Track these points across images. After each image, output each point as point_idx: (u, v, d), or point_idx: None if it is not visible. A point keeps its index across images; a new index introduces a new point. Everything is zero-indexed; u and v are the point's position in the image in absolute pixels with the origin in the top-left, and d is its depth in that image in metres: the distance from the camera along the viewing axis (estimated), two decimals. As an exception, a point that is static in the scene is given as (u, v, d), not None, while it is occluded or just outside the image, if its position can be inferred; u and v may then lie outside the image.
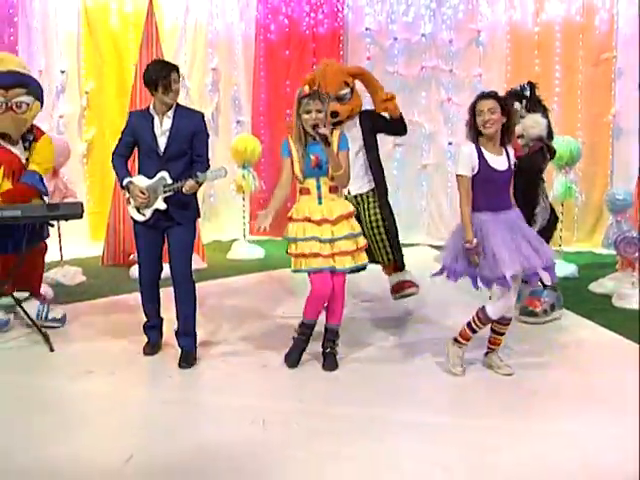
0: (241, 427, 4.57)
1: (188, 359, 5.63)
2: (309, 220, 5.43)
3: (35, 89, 6.38)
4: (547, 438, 4.41)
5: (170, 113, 5.51)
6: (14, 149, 6.27)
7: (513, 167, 5.30)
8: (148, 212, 5.54)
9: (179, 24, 11.01)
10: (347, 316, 6.87)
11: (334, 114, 6.54)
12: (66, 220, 6.36)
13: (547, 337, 6.36)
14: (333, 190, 5.49)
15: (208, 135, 5.64)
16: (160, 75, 5.42)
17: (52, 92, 10.27)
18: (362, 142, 6.72)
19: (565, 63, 10.30)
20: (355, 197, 6.68)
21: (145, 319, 5.91)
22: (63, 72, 10.35)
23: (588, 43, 10.18)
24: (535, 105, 6.86)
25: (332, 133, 5.45)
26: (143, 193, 5.47)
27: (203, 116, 5.68)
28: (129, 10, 10.65)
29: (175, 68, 5.53)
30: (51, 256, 7.89)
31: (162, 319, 5.93)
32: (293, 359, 5.62)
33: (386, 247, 6.84)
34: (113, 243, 9.15)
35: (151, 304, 5.84)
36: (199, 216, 5.83)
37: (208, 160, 5.58)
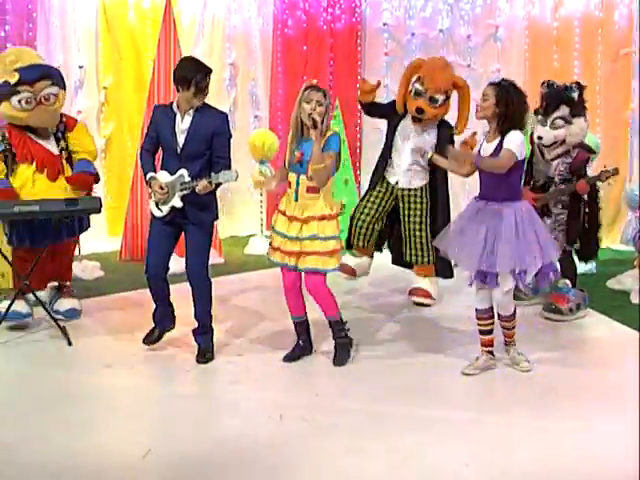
0: (258, 421, 4.59)
1: (205, 355, 5.65)
2: (284, 214, 5.50)
3: (58, 78, 6.44)
4: (565, 435, 4.42)
5: (192, 111, 5.48)
6: (46, 143, 6.32)
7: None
8: (165, 208, 5.56)
9: (197, 19, 10.99)
10: (363, 312, 6.94)
11: (419, 110, 6.64)
12: (85, 215, 6.38)
13: (565, 333, 6.36)
14: (311, 190, 5.43)
15: (230, 136, 5.60)
16: (195, 77, 5.39)
17: (70, 88, 10.19)
18: (433, 145, 6.76)
19: (584, 58, 10.22)
20: (402, 190, 6.81)
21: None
22: (81, 68, 10.36)
23: (607, 38, 10.11)
24: (580, 109, 6.78)
25: (325, 131, 5.42)
26: (162, 189, 5.49)
27: (226, 117, 5.65)
28: (147, 5, 10.64)
29: (211, 71, 5.55)
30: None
31: (172, 306, 5.91)
32: (288, 355, 5.66)
33: (423, 248, 6.87)
34: (131, 238, 9.17)
35: (155, 296, 5.83)
36: (217, 218, 5.81)
37: (229, 161, 5.54)
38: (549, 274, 5.33)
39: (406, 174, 6.89)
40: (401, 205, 6.96)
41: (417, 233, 6.91)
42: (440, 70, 6.81)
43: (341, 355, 5.59)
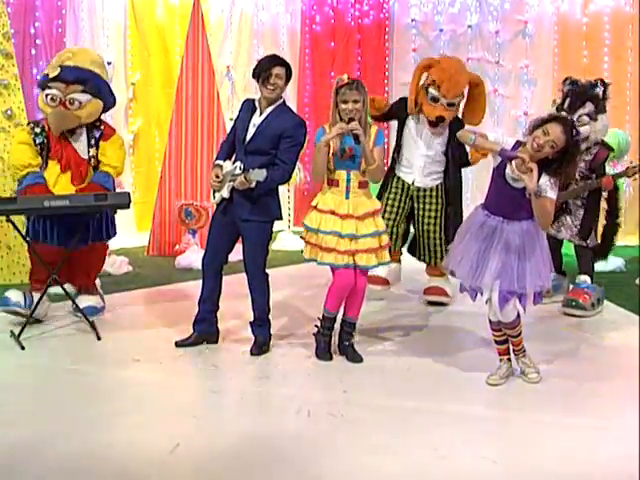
0: (287, 417, 4.58)
1: (262, 347, 5.68)
2: (333, 213, 5.40)
3: (95, 87, 6.31)
4: (595, 433, 4.38)
5: (269, 109, 5.50)
6: (77, 145, 6.32)
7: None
8: (217, 197, 5.59)
9: (225, 16, 11.04)
10: (390, 308, 6.93)
11: (441, 119, 6.54)
12: (114, 210, 6.40)
13: (591, 331, 6.31)
14: (362, 185, 5.43)
15: (299, 143, 5.52)
16: (263, 68, 5.44)
17: (99, 84, 10.37)
18: (445, 143, 6.73)
19: (614, 54, 10.19)
20: (418, 189, 6.75)
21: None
22: (110, 64, 10.37)
23: (637, 34, 10.02)
24: (603, 106, 6.76)
25: (369, 128, 5.38)
26: (217, 177, 5.52)
27: (301, 124, 5.58)
28: (175, 2, 10.70)
29: (281, 63, 5.52)
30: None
31: (216, 318, 5.88)
32: (325, 355, 5.59)
33: (437, 249, 6.83)
34: (159, 233, 9.22)
35: (206, 292, 5.78)
36: (279, 218, 5.72)
37: (291, 167, 5.51)
38: (541, 293, 5.17)
39: (422, 173, 6.81)
40: (416, 205, 6.88)
41: (432, 235, 6.84)
42: (457, 74, 6.63)
43: (354, 353, 5.56)
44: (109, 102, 6.55)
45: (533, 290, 5.01)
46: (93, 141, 6.36)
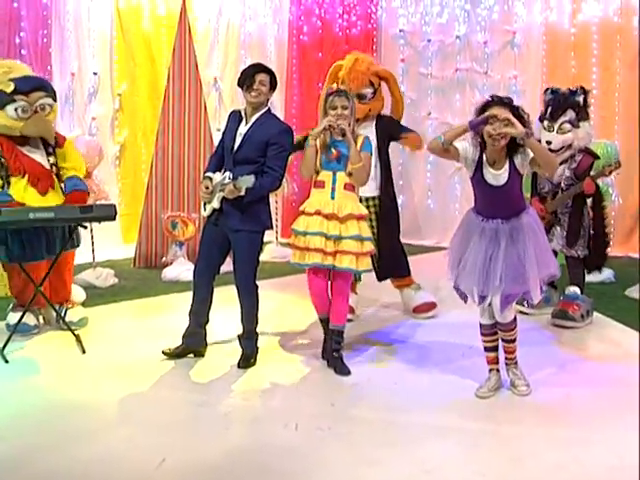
0: (274, 431, 4.57)
1: (249, 360, 5.67)
2: (319, 213, 5.49)
3: (52, 91, 6.47)
4: (584, 445, 4.37)
5: (254, 117, 5.54)
6: (37, 156, 6.31)
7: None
8: (208, 208, 5.59)
9: (212, 26, 11.06)
10: (380, 318, 6.93)
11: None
12: (99, 222, 6.39)
13: (581, 342, 6.32)
14: (348, 187, 5.54)
15: (286, 150, 5.54)
16: (247, 75, 5.52)
17: (84, 94, 10.35)
18: (375, 148, 6.65)
19: (602, 65, 10.21)
20: (363, 200, 6.54)
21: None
22: (95, 74, 10.40)
23: (626, 44, 10.08)
24: (586, 113, 6.82)
25: (357, 137, 5.54)
26: (207, 188, 5.53)
27: (286, 130, 5.62)
28: (162, 12, 10.70)
29: (266, 71, 5.58)
30: (83, 258, 7.96)
31: (205, 331, 5.87)
32: (324, 353, 5.73)
33: (384, 258, 6.78)
34: (145, 245, 9.19)
35: (197, 303, 5.77)
36: (269, 227, 5.71)
37: (280, 174, 5.52)
38: (542, 287, 5.16)
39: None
40: None
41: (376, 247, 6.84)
42: (357, 65, 6.70)
43: (342, 366, 5.56)
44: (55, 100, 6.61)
45: (543, 280, 5.02)
46: (51, 149, 6.39)
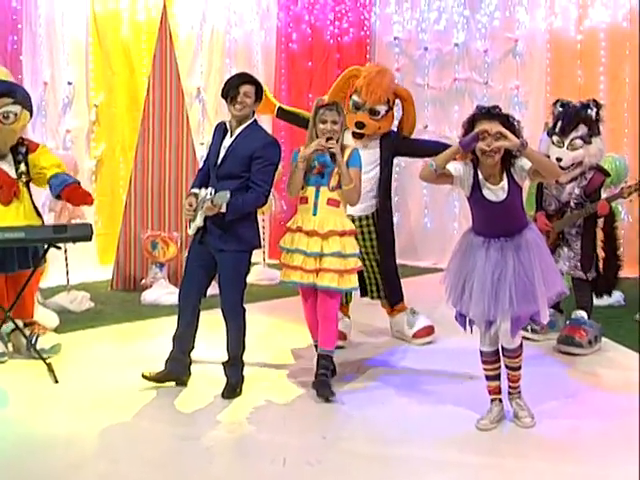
0: (260, 466, 4.56)
1: (235, 390, 5.67)
2: (300, 230, 5.60)
3: (23, 98, 6.42)
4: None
5: (239, 130, 5.58)
6: (1, 164, 6.32)
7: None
8: (193, 226, 5.61)
9: (195, 33, 11.06)
10: (374, 344, 6.92)
11: (360, 124, 6.60)
12: (74, 242, 6.38)
13: (589, 371, 6.32)
14: (332, 203, 5.62)
15: (272, 163, 5.55)
16: (232, 85, 5.58)
17: (58, 105, 10.30)
18: (378, 163, 6.73)
19: (610, 74, 10.22)
20: (356, 219, 6.52)
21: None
22: (70, 84, 10.38)
23: (636, 52, 10.09)
24: (597, 128, 6.82)
25: (344, 149, 5.62)
26: (191, 205, 5.55)
27: (272, 142, 5.64)
28: (141, 18, 10.71)
29: (250, 81, 5.62)
30: (57, 280, 7.96)
31: (189, 359, 5.87)
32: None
33: (377, 281, 6.83)
34: (123, 266, 9.18)
35: (182, 328, 5.77)
36: (257, 247, 5.75)
37: (266, 189, 5.54)
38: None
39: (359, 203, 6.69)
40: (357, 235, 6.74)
41: (374, 269, 6.89)
42: (377, 78, 6.71)
43: (324, 388, 5.56)
44: (32, 114, 6.59)
45: (551, 299, 5.03)
46: (20, 157, 6.39)
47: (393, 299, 7.04)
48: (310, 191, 5.63)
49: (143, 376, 5.77)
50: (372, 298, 7.04)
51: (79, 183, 6.52)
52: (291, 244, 5.65)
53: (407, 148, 6.98)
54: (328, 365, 5.66)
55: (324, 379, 5.61)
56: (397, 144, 6.87)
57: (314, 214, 5.60)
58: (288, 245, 5.67)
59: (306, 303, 5.77)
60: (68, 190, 6.31)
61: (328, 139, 5.51)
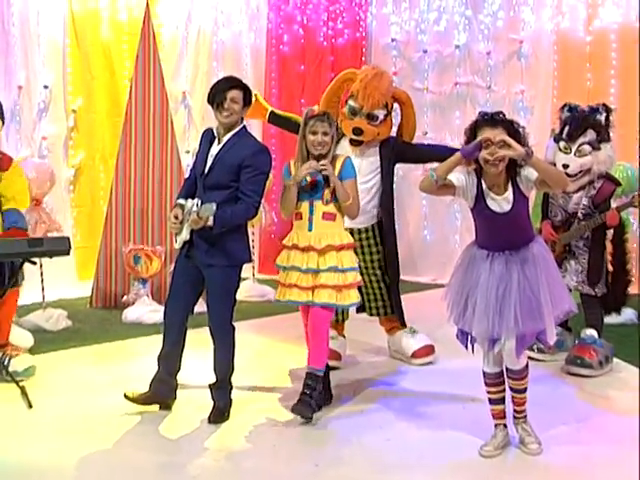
0: (250, 496, 4.55)
1: (221, 414, 5.64)
2: (296, 247, 5.62)
3: None
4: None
5: (227, 137, 5.56)
6: None
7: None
8: (179, 240, 5.58)
9: (180, 34, 11.09)
10: (370, 364, 6.90)
11: (357, 131, 6.60)
12: (50, 257, 6.35)
13: (600, 393, 6.30)
14: (327, 217, 5.63)
15: (263, 173, 5.53)
16: (218, 90, 5.54)
17: (33, 110, 10.28)
18: (378, 172, 6.74)
19: (622, 77, 10.24)
20: (355, 232, 6.56)
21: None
22: (46, 87, 10.37)
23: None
24: (607, 134, 6.81)
25: (335, 160, 5.64)
26: (177, 217, 5.51)
27: (261, 150, 5.62)
28: (123, 17, 10.72)
29: (238, 86, 5.58)
30: (32, 298, 7.92)
31: (176, 382, 5.85)
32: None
33: (383, 296, 6.83)
34: (103, 282, 9.16)
35: (167, 347, 5.76)
36: (246, 261, 5.74)
37: (256, 200, 5.51)
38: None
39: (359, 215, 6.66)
40: (357, 248, 6.59)
41: (375, 284, 6.90)
42: (374, 81, 6.69)
43: (302, 406, 5.53)
44: (4, 121, 6.59)
45: (559, 317, 5.00)
46: None
47: (401, 315, 7.05)
48: (304, 207, 5.64)
49: (125, 396, 5.74)
50: (370, 314, 7.03)
51: (25, 229, 6.51)
52: (287, 262, 5.66)
53: (409, 154, 6.98)
54: (313, 385, 5.62)
55: (306, 399, 5.56)
56: (398, 150, 6.86)
57: (309, 230, 5.61)
58: (284, 263, 5.68)
59: (305, 321, 5.76)
60: (13, 234, 6.30)
61: (319, 156, 5.53)
